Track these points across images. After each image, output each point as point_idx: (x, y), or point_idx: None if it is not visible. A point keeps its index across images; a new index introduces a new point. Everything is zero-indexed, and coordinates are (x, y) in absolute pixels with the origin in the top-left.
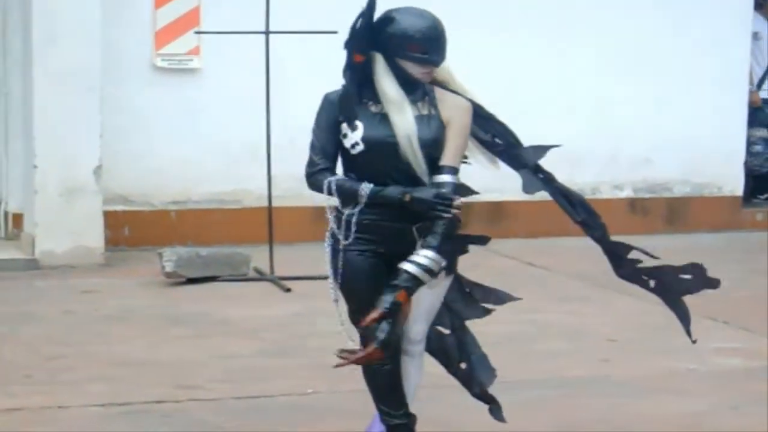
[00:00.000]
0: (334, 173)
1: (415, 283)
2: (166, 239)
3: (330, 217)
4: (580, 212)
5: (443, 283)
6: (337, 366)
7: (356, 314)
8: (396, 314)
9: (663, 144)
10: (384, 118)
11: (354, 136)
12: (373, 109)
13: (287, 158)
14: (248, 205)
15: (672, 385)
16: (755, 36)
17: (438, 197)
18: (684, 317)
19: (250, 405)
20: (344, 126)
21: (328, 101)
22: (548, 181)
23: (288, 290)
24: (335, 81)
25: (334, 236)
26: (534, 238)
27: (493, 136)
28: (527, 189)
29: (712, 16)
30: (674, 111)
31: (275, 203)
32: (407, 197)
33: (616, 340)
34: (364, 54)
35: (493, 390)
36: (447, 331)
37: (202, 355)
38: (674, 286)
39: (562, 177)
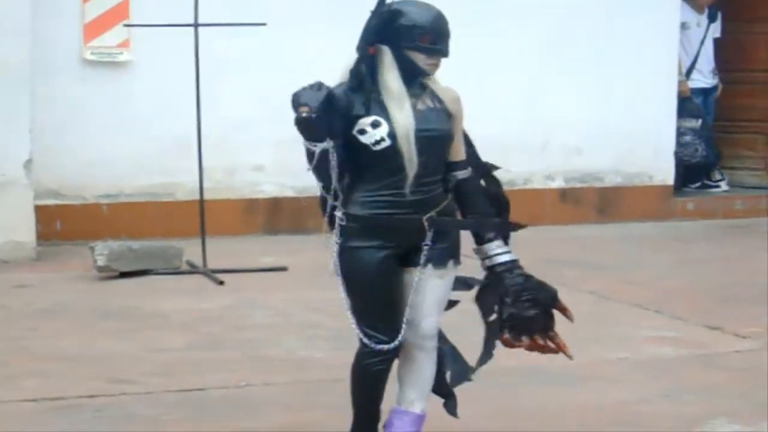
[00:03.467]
0: None
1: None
2: (98, 233)
3: (339, 214)
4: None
5: (452, 273)
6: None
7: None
8: None
9: (594, 134)
10: None
11: (378, 132)
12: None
13: (219, 151)
14: (180, 198)
15: (604, 373)
16: (683, 26)
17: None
18: (487, 355)
19: (183, 398)
20: (362, 122)
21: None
22: (488, 189)
23: (221, 283)
24: (266, 74)
25: (343, 235)
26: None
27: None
28: None
29: (642, 6)
30: (604, 101)
31: (207, 196)
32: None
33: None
34: (373, 47)
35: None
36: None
37: (135, 349)
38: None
39: None
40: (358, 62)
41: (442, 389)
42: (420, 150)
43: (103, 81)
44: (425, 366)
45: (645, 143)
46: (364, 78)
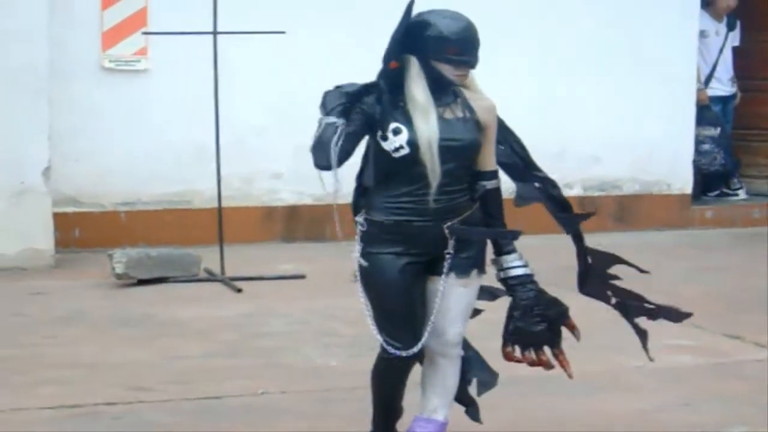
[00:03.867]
0: None
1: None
2: (116, 240)
3: (360, 219)
4: (572, 226)
5: (476, 282)
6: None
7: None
8: None
9: (612, 142)
10: None
11: (397, 140)
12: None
13: (236, 159)
14: (198, 205)
15: (622, 382)
16: (702, 34)
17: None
18: (642, 335)
19: (201, 406)
20: (385, 128)
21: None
22: (545, 192)
23: (239, 291)
24: (284, 81)
25: (364, 240)
26: None
27: (503, 143)
28: (519, 202)
29: (660, 14)
30: (622, 109)
31: (225, 204)
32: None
33: (565, 338)
34: (399, 60)
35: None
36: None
37: (153, 357)
38: (635, 310)
39: None
40: (378, 76)
41: (464, 397)
42: (443, 159)
43: (121, 89)
44: (449, 374)
45: (663, 151)
46: (382, 92)
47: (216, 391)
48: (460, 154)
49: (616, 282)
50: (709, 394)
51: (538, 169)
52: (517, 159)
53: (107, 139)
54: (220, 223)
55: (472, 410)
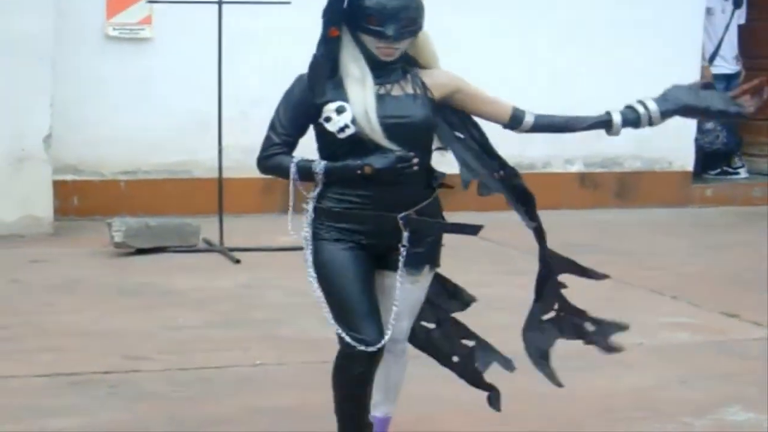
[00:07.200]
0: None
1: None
2: (115, 209)
3: (308, 205)
4: (533, 219)
5: (427, 278)
6: None
7: (341, 314)
8: None
9: None
10: (379, 98)
11: (342, 119)
12: None
13: (238, 129)
14: (198, 175)
15: (619, 359)
16: (708, 11)
17: (400, 160)
18: (543, 367)
19: (197, 376)
20: (327, 108)
21: (302, 82)
22: (507, 182)
23: (237, 261)
24: (288, 52)
25: (311, 226)
26: (485, 212)
27: (461, 130)
28: (483, 191)
29: None
30: (626, 85)
31: (225, 174)
32: (367, 169)
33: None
34: (339, 28)
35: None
36: (432, 326)
37: (150, 326)
38: (571, 329)
39: (512, 151)
40: (318, 45)
41: (482, 384)
42: (392, 139)
43: (124, 57)
44: (393, 370)
45: (666, 129)
46: (321, 63)
47: (212, 361)
48: (411, 133)
49: (564, 291)
50: (706, 371)
51: (499, 157)
52: (475, 146)
53: (109, 108)
54: (220, 194)
55: (493, 396)
